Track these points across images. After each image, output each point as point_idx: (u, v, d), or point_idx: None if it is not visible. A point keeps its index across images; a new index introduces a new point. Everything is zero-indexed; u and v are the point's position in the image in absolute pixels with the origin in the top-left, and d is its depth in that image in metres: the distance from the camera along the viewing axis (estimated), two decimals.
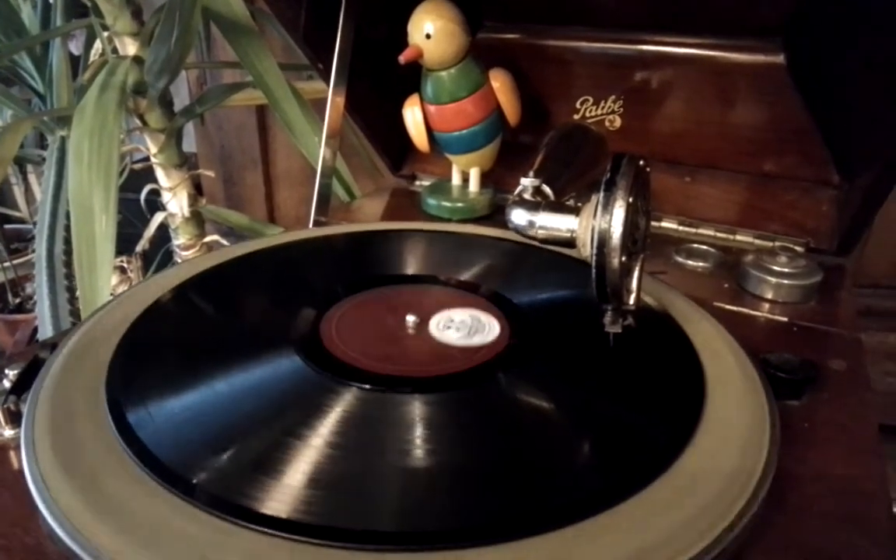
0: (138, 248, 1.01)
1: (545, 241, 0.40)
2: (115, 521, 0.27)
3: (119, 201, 1.17)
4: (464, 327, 0.42)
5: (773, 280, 0.54)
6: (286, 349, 0.39)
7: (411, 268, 0.53)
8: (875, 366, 0.46)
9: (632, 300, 0.37)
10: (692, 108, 0.66)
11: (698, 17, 0.62)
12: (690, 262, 0.60)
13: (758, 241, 0.64)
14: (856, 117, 0.58)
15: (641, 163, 0.36)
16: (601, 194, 0.34)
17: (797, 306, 0.53)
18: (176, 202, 1.02)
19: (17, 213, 1.47)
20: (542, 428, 0.35)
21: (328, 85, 0.65)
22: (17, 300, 1.42)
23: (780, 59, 0.59)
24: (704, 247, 0.62)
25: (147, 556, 0.26)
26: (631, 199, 0.34)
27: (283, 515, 0.28)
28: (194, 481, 0.30)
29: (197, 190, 1.20)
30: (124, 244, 1.08)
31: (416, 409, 0.35)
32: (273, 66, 0.79)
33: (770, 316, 0.52)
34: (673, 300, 0.47)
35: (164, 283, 0.46)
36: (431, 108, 0.65)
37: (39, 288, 0.87)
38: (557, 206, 0.40)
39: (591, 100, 0.70)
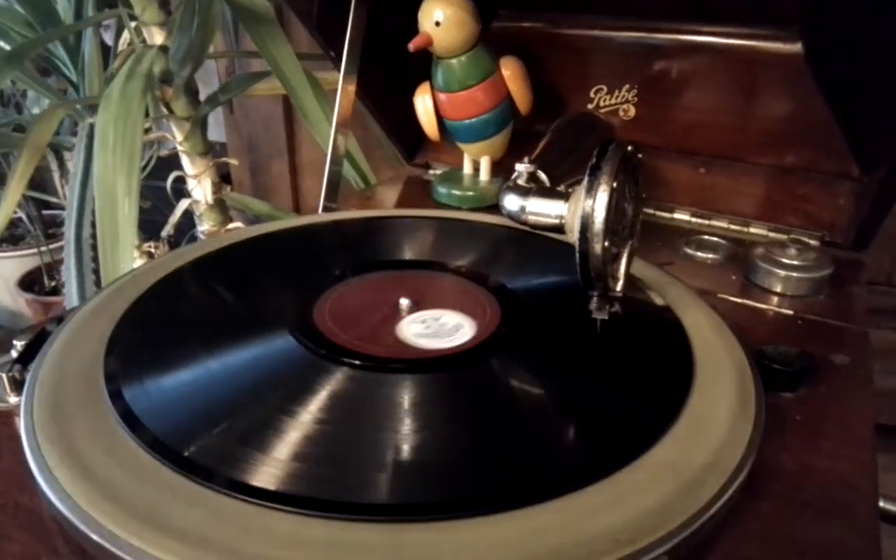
0: (164, 234, 1.04)
1: (535, 226, 0.40)
2: (104, 489, 0.28)
3: (148, 188, 1.21)
4: (433, 328, 0.42)
5: (782, 273, 0.52)
6: (280, 329, 0.40)
7: (412, 254, 0.53)
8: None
9: (618, 287, 0.37)
10: (707, 97, 0.65)
11: (715, 5, 0.61)
12: (700, 254, 0.59)
13: (772, 234, 0.63)
14: (875, 108, 0.57)
15: (630, 149, 0.36)
16: (585, 179, 0.34)
17: (806, 299, 0.52)
18: (200, 189, 1.04)
19: (55, 200, 1.51)
20: (524, 410, 0.36)
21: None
22: (53, 283, 1.47)
23: (797, 48, 0.58)
24: (715, 238, 0.61)
25: (135, 525, 0.27)
26: (615, 185, 0.34)
27: (274, 487, 0.29)
28: (184, 453, 0.31)
29: (226, 179, 1.22)
30: (153, 230, 1.11)
31: (402, 388, 0.35)
32: (290, 55, 0.80)
33: (775, 308, 0.51)
34: (672, 289, 0.46)
35: (167, 264, 0.48)
36: (442, 96, 0.65)
37: (68, 271, 0.90)
38: (548, 192, 0.40)
39: (605, 89, 0.69)
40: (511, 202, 0.41)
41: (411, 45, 0.61)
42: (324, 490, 0.29)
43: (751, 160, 0.65)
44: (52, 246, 1.48)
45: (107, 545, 0.26)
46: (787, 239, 0.58)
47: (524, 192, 0.40)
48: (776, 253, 0.54)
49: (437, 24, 0.60)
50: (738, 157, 0.65)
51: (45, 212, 1.58)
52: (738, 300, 0.52)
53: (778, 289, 0.53)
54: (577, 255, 0.35)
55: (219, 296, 0.47)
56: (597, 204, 0.34)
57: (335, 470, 0.30)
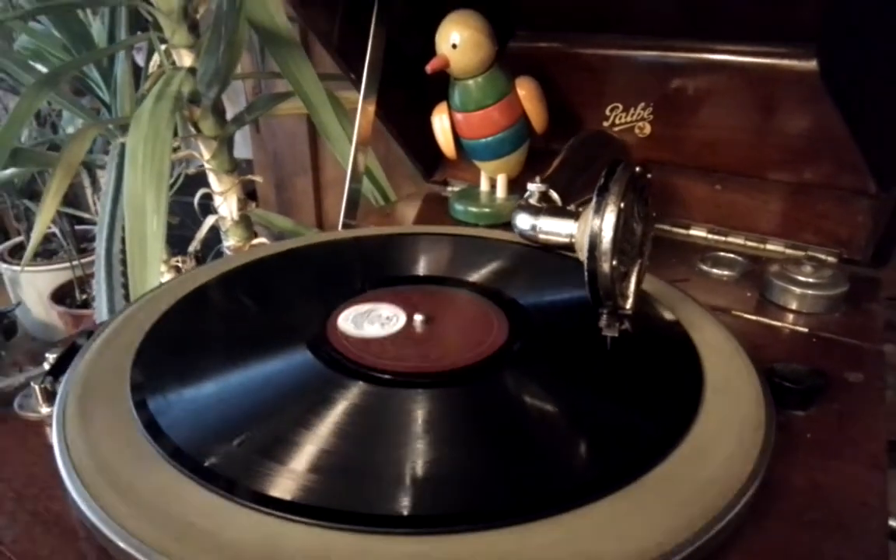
0: (191, 249, 1.07)
1: (547, 245, 0.41)
2: (130, 498, 0.30)
3: (177, 204, 1.24)
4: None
5: (798, 290, 0.52)
6: (297, 345, 0.41)
7: (428, 270, 0.54)
8: None
9: (628, 305, 0.38)
10: (723, 115, 0.65)
11: (730, 23, 0.62)
12: (716, 271, 0.59)
13: (789, 251, 0.62)
14: (892, 125, 0.57)
15: (638, 169, 0.37)
16: (594, 199, 0.35)
17: (821, 317, 0.52)
18: (226, 206, 1.07)
19: (87, 215, 1.56)
20: (532, 424, 0.36)
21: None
22: (84, 297, 1.52)
23: (812, 65, 0.58)
24: (731, 255, 0.61)
25: (160, 533, 0.28)
26: (622, 205, 0.35)
27: (298, 500, 0.29)
28: (205, 464, 0.32)
29: (252, 195, 1.25)
30: (182, 244, 1.14)
31: (412, 402, 0.36)
32: (312, 76, 0.82)
33: (790, 326, 0.51)
34: (684, 306, 0.46)
35: (191, 281, 0.49)
36: (459, 116, 0.66)
37: (98, 284, 0.93)
38: (559, 211, 0.41)
39: (620, 107, 0.70)
40: (523, 221, 0.42)
41: (429, 68, 0.62)
42: (347, 502, 0.30)
43: (767, 177, 0.65)
44: (83, 260, 1.52)
45: (132, 552, 0.27)
46: (803, 256, 0.58)
47: (536, 211, 0.41)
48: (791, 270, 0.54)
49: (454, 46, 0.62)
50: (754, 173, 0.65)
51: (78, 227, 1.62)
52: (753, 317, 0.52)
53: (793, 306, 0.53)
54: (586, 273, 0.36)
55: (240, 311, 0.49)
56: (604, 224, 0.34)
57: (351, 483, 0.31)
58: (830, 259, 0.60)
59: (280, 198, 1.55)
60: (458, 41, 0.61)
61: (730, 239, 0.65)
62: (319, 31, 0.66)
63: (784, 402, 0.39)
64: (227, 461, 0.32)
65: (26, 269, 1.56)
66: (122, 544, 0.28)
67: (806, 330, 0.50)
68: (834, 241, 0.61)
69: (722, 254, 0.62)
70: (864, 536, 0.31)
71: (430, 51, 0.64)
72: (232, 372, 0.39)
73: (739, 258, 0.61)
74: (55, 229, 1.57)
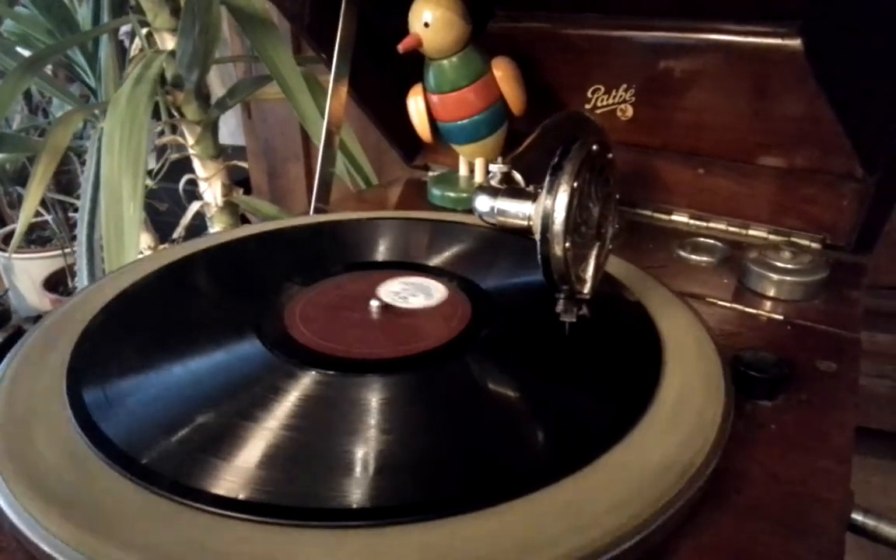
0: (175, 235, 1.06)
1: (505, 228, 0.39)
2: (55, 496, 0.28)
3: (165, 190, 1.23)
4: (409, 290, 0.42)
5: (775, 277, 0.51)
6: (248, 334, 0.40)
7: (394, 255, 0.53)
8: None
9: (586, 289, 0.37)
10: (707, 97, 0.63)
11: (714, 1, 0.60)
12: (694, 257, 0.58)
13: (772, 237, 0.61)
14: (878, 107, 0.55)
15: (595, 148, 0.35)
16: (547, 179, 0.34)
17: (799, 304, 0.50)
18: (211, 192, 1.06)
19: (78, 202, 1.55)
20: (481, 411, 0.35)
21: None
22: (76, 284, 1.51)
23: (797, 44, 0.56)
24: (711, 241, 0.60)
25: (90, 538, 0.26)
26: (576, 184, 0.33)
27: (234, 495, 0.28)
28: (143, 461, 0.30)
29: (245, 183, 1.23)
30: (170, 231, 1.13)
31: (367, 390, 0.35)
32: (288, 58, 0.81)
33: (766, 313, 0.49)
34: (652, 292, 0.45)
35: (142, 267, 0.48)
36: (434, 98, 0.65)
37: (80, 271, 0.92)
38: (518, 193, 0.39)
39: (602, 89, 0.68)
40: (482, 203, 0.40)
41: (400, 47, 0.60)
42: (293, 498, 0.28)
43: (751, 161, 0.63)
44: (75, 247, 1.52)
45: (52, 552, 0.26)
46: (782, 242, 0.56)
47: (495, 192, 0.40)
48: (770, 256, 0.52)
49: (426, 25, 0.60)
50: (737, 157, 0.63)
51: (72, 214, 1.61)
52: (728, 305, 0.50)
53: (771, 293, 0.51)
54: (539, 257, 0.34)
55: (190, 300, 0.47)
56: (556, 204, 0.33)
57: (298, 476, 0.30)
58: (814, 245, 0.58)
59: (272, 185, 1.53)
60: (430, 20, 0.60)
61: (711, 224, 0.64)
62: (289, 10, 0.65)
63: (749, 391, 0.38)
64: (164, 458, 0.30)
65: (20, 256, 1.55)
66: (44, 547, 0.26)
67: (781, 317, 0.48)
68: (818, 226, 0.59)
69: (701, 240, 0.60)
70: (820, 532, 0.29)
71: (407, 31, 0.63)
72: (176, 364, 0.38)
73: (718, 244, 0.59)
74: (48, 217, 1.56)
